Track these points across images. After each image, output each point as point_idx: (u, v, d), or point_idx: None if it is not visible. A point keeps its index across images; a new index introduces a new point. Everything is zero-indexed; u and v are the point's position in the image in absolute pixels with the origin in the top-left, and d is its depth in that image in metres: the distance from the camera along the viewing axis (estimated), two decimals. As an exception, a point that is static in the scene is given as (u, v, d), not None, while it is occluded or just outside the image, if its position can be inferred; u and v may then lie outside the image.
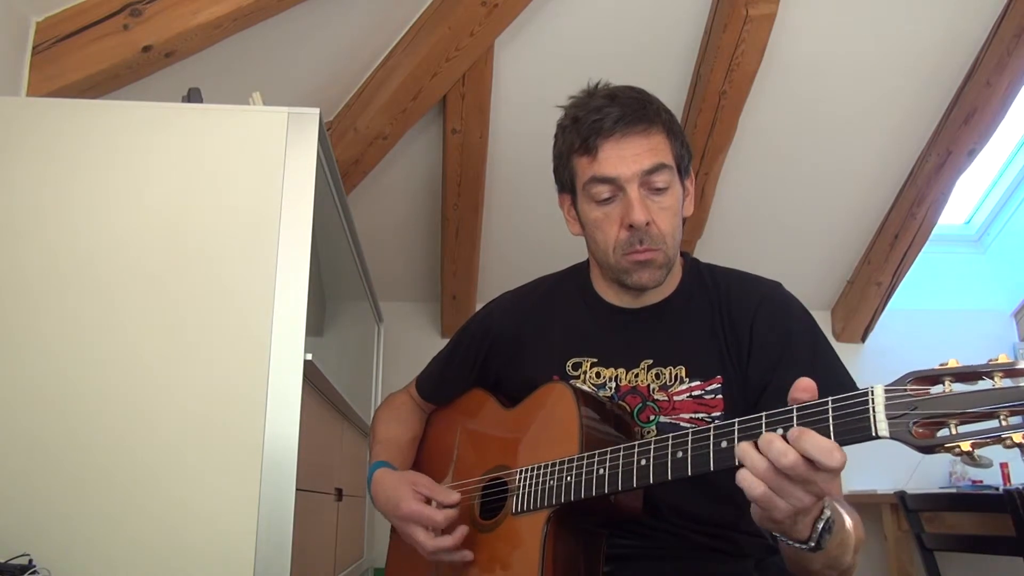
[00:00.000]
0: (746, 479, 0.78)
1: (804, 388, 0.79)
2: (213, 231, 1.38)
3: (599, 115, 1.06)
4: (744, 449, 0.78)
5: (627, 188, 1.06)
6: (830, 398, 0.76)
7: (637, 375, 1.12)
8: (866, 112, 2.92)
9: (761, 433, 0.79)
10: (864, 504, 3.35)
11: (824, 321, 3.70)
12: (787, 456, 0.74)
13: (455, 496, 1.09)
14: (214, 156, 1.42)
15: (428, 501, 1.10)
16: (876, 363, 3.60)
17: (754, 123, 2.87)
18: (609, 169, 1.06)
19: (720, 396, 1.08)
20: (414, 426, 1.35)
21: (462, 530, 1.06)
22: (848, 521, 0.88)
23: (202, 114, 1.46)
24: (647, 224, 1.06)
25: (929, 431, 0.71)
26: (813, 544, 0.83)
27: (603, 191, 1.08)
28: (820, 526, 0.82)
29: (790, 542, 0.84)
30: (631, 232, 1.07)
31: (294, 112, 1.45)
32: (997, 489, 2.47)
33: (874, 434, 0.72)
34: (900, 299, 3.56)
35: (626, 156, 1.06)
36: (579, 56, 2.60)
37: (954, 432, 0.69)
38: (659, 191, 1.07)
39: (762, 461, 0.76)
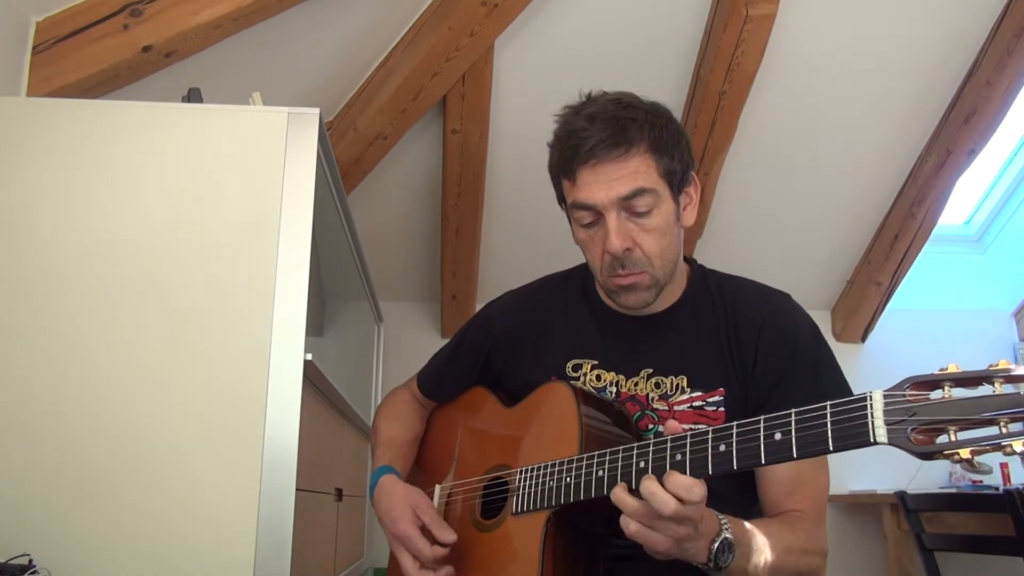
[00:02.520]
0: (624, 522, 0.87)
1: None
2: (213, 231, 1.38)
3: (577, 139, 1.04)
4: (618, 495, 0.87)
5: (605, 215, 1.04)
6: (828, 403, 0.76)
7: (636, 384, 1.12)
8: (866, 112, 2.92)
9: (759, 440, 0.81)
10: (864, 504, 3.35)
11: (824, 321, 3.70)
12: (668, 506, 0.82)
13: (451, 537, 1.08)
14: (214, 156, 1.42)
15: (426, 529, 1.10)
16: (876, 363, 3.59)
17: (754, 123, 2.87)
18: (587, 196, 1.05)
19: (722, 408, 1.08)
20: (416, 425, 1.35)
21: (447, 570, 1.07)
22: (759, 541, 0.93)
23: (202, 114, 1.46)
24: (626, 250, 1.05)
25: (928, 437, 0.70)
26: (712, 565, 0.88)
27: (585, 216, 1.07)
28: (715, 547, 0.88)
29: (699, 565, 0.90)
30: (613, 257, 1.06)
31: (294, 112, 1.45)
32: (997, 489, 2.47)
33: (872, 440, 0.72)
34: (900, 299, 3.56)
35: (602, 183, 1.03)
36: (579, 56, 2.60)
37: (953, 439, 0.69)
38: (641, 214, 1.05)
39: (637, 506, 0.85)
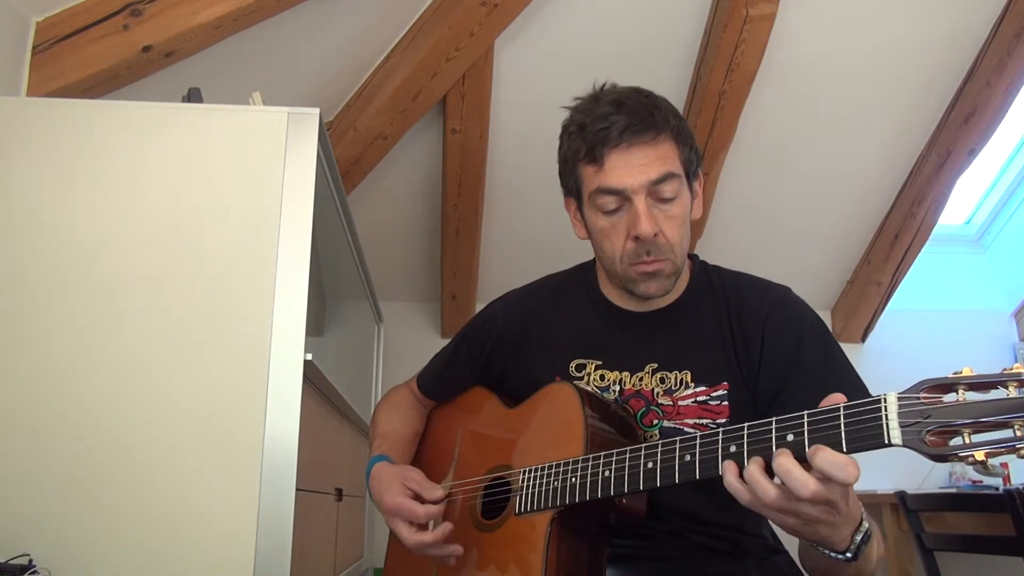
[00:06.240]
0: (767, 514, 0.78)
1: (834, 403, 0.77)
2: (213, 231, 1.38)
3: (605, 123, 1.04)
4: (755, 478, 0.76)
5: (634, 199, 1.04)
6: (841, 404, 0.75)
7: (641, 379, 1.12)
8: (866, 112, 2.92)
9: (770, 440, 0.78)
10: (864, 504, 3.34)
11: (824, 321, 3.69)
12: (808, 487, 0.73)
13: (439, 492, 1.09)
14: (214, 156, 1.42)
15: (417, 495, 1.10)
16: (876, 363, 3.59)
17: (754, 123, 2.87)
18: (615, 180, 1.05)
19: (726, 403, 1.08)
20: (415, 422, 1.35)
21: (445, 526, 1.06)
22: (877, 531, 0.89)
23: (202, 114, 1.46)
24: (654, 235, 1.05)
25: (942, 440, 0.70)
26: (851, 556, 0.82)
27: (609, 202, 1.07)
28: (859, 538, 0.82)
29: (828, 553, 0.83)
30: (638, 243, 1.06)
31: (294, 112, 1.45)
32: (997, 489, 2.46)
33: (887, 442, 0.71)
34: (900, 299, 3.56)
35: (633, 167, 1.04)
36: (579, 56, 2.60)
37: (968, 441, 0.69)
38: (667, 200, 1.06)
39: (773, 492, 0.75)
